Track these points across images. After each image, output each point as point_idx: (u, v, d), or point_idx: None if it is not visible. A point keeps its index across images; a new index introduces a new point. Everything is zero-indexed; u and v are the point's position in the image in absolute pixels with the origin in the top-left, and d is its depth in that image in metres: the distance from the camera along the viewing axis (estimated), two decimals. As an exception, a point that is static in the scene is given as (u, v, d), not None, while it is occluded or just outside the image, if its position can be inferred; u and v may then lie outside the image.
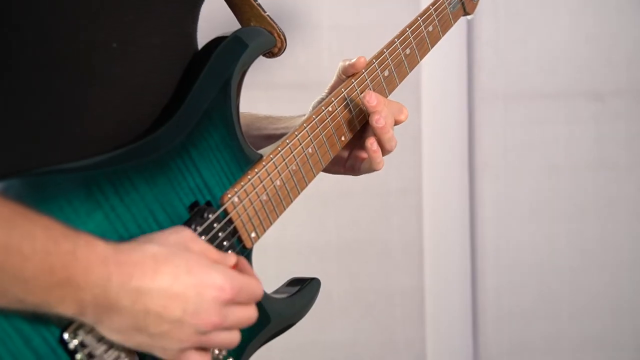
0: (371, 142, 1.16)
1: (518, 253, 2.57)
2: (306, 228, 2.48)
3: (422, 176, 2.52)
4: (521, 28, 2.50)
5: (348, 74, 1.18)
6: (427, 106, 2.49)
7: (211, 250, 0.90)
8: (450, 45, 2.41)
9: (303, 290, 1.13)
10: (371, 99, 1.14)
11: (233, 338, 0.90)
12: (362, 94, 1.17)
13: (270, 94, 2.39)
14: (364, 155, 1.21)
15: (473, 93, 2.51)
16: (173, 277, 0.84)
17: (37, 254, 0.77)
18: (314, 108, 1.18)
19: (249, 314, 0.92)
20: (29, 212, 0.79)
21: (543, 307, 2.58)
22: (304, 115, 1.18)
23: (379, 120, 1.14)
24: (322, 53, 2.47)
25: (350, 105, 1.16)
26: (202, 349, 0.88)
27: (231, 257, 0.93)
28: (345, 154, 1.22)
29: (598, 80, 2.51)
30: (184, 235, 0.89)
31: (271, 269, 2.46)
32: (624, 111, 2.53)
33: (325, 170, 1.21)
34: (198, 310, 0.85)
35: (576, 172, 2.55)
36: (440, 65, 2.43)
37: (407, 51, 1.24)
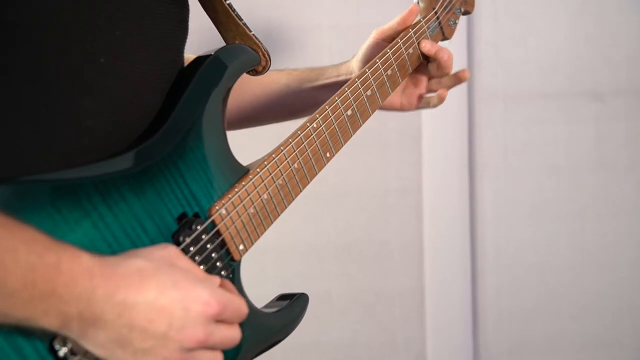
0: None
1: (518, 253, 2.57)
2: (305, 228, 2.48)
3: (422, 176, 2.52)
4: (521, 28, 2.50)
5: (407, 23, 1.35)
6: (426, 106, 2.49)
7: (196, 268, 0.91)
8: (450, 45, 2.41)
9: (292, 305, 1.13)
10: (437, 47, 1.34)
11: (216, 359, 0.90)
12: (419, 43, 1.34)
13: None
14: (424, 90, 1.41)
15: (473, 93, 2.51)
16: (159, 291, 0.83)
17: (20, 268, 0.76)
18: (362, 52, 1.34)
19: (233, 334, 0.91)
20: (12, 223, 0.79)
21: (543, 307, 2.58)
22: (344, 62, 1.34)
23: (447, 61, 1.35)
24: (322, 53, 2.47)
25: (335, 123, 1.18)
26: None
27: (215, 279, 0.92)
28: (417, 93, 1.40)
29: (598, 80, 2.51)
30: (169, 252, 0.89)
31: (271, 269, 2.49)
32: (624, 111, 2.52)
33: (385, 107, 1.35)
34: (184, 325, 0.84)
35: (576, 172, 2.55)
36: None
37: (389, 72, 1.28)
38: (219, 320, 0.89)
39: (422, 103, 1.41)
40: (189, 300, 0.85)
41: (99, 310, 0.80)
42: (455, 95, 2.48)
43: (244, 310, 0.93)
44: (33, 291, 0.77)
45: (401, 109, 1.40)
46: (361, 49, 1.36)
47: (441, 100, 1.41)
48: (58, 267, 0.78)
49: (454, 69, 1.39)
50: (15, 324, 0.79)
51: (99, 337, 0.82)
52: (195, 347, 0.86)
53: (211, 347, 0.88)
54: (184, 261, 0.89)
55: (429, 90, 1.42)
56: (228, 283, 0.96)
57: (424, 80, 1.40)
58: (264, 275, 2.44)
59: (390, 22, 1.36)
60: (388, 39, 1.34)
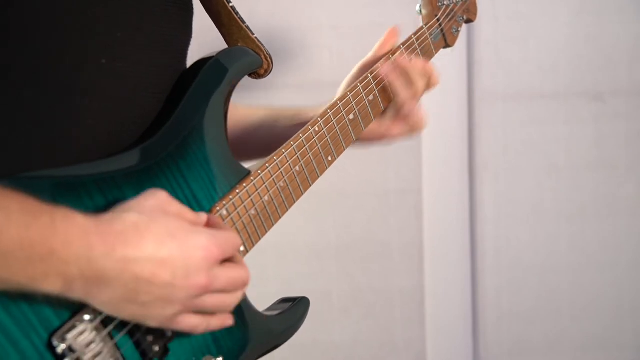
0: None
1: (518, 253, 2.57)
2: (306, 229, 2.49)
3: (422, 176, 2.52)
4: (521, 28, 2.50)
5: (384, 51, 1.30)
6: (427, 106, 2.49)
7: (186, 210, 0.91)
8: (450, 45, 2.42)
9: (293, 309, 1.13)
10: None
11: (226, 300, 0.91)
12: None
13: (270, 95, 2.40)
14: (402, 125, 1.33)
15: (473, 93, 2.51)
16: (158, 244, 0.84)
17: (14, 227, 0.76)
18: (343, 86, 1.28)
19: (240, 273, 0.92)
20: (2, 186, 0.79)
21: (543, 307, 2.59)
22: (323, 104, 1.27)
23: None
24: (322, 53, 2.47)
25: (337, 127, 1.18)
26: (199, 312, 0.89)
27: (203, 215, 0.93)
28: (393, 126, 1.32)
29: (598, 80, 2.51)
30: (159, 198, 0.89)
31: (271, 269, 2.49)
32: (624, 111, 2.52)
33: (360, 141, 1.29)
34: (188, 273, 0.85)
35: (576, 172, 2.55)
36: (440, 65, 2.43)
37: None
38: (222, 261, 0.90)
39: (411, 126, 1.34)
40: (189, 248, 0.86)
41: (101, 267, 0.80)
42: (455, 96, 2.49)
43: (238, 240, 0.93)
44: (31, 251, 0.77)
45: (398, 136, 1.34)
46: (342, 84, 1.30)
47: (421, 119, 1.34)
48: (53, 226, 0.78)
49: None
50: (17, 289, 0.79)
51: (105, 295, 0.82)
52: (201, 293, 0.87)
53: (219, 291, 0.89)
54: (174, 205, 0.90)
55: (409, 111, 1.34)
56: (213, 217, 0.96)
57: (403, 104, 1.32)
58: (264, 275, 2.45)
59: (370, 53, 1.31)
60: (369, 67, 1.29)
